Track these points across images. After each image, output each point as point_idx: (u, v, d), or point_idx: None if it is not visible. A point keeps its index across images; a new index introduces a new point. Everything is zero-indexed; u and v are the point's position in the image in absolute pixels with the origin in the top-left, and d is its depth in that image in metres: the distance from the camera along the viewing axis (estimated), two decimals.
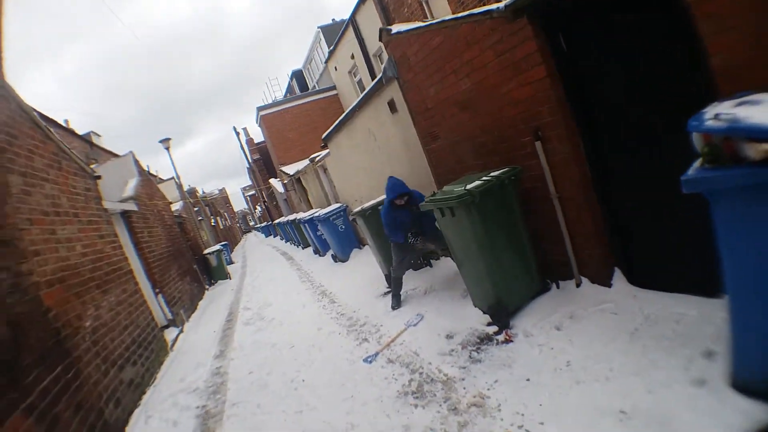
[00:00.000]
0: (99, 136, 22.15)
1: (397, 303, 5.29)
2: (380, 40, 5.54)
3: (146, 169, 14.22)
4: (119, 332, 5.21)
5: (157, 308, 7.80)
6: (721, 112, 1.76)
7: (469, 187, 3.54)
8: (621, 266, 3.53)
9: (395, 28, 5.24)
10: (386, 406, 3.26)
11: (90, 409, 3.81)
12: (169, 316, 8.11)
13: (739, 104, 1.84)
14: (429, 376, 3.47)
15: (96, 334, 4.57)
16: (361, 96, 7.12)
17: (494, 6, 3.58)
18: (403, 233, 4.94)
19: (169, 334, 7.41)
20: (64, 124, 16.95)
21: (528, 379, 2.95)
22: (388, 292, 5.93)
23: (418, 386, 3.37)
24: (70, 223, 5.06)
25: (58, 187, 5.13)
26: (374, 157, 7.36)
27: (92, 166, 6.86)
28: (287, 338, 5.72)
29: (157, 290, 8.11)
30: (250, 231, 72.38)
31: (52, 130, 5.47)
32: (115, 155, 18.71)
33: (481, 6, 8.93)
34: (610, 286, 3.55)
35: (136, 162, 10.90)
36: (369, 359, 4.16)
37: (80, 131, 18.83)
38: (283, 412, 3.72)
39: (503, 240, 3.75)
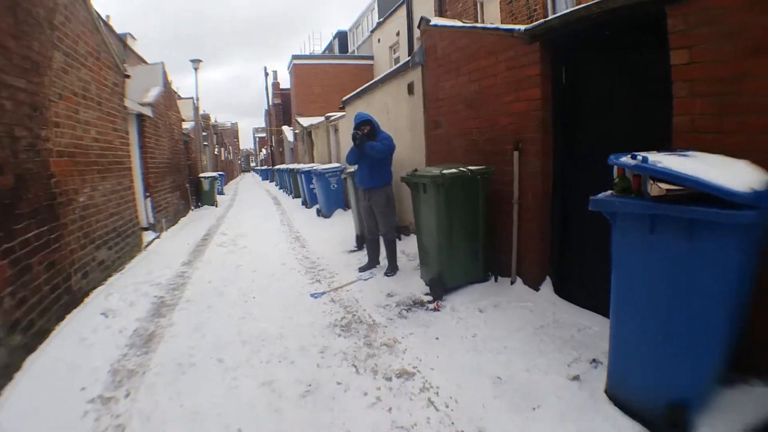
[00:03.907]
0: (135, 39, 22.16)
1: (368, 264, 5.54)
2: (418, 27, 5.92)
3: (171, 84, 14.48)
4: (105, 216, 5.62)
5: (143, 210, 8.26)
6: (637, 154, 2.18)
7: (444, 172, 4.00)
8: (552, 276, 4.00)
9: (434, 20, 5.63)
10: (315, 330, 3.78)
11: (60, 271, 4.13)
12: (151, 220, 8.57)
13: (669, 155, 2.24)
14: (360, 318, 3.98)
15: (85, 211, 4.95)
16: (388, 72, 7.50)
17: (517, 27, 3.99)
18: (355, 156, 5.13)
19: (147, 236, 7.84)
20: (104, 19, 17.03)
21: (437, 338, 3.45)
22: (355, 250, 6.41)
23: (347, 323, 3.89)
24: (92, 108, 5.48)
25: (92, 75, 5.54)
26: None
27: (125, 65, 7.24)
28: (252, 264, 6.25)
29: (148, 194, 8.57)
30: (249, 171, 72.70)
31: (101, 22, 5.84)
32: (144, 61, 18.90)
33: (529, 22, 9.35)
34: (537, 290, 4.04)
35: (164, 74, 11.29)
36: (316, 295, 4.67)
37: (118, 30, 18.88)
38: (228, 316, 4.24)
39: (461, 225, 4.22)
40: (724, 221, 1.85)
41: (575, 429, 2.29)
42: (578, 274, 3.80)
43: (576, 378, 2.75)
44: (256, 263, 6.27)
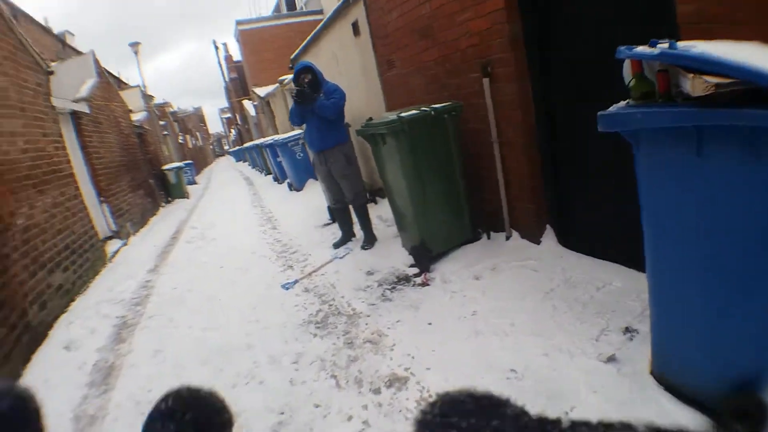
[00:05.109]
0: (72, 35, 20.66)
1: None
2: None
3: (116, 75, 13.34)
4: (52, 235, 4.91)
5: (101, 218, 7.45)
6: (656, 41, 1.47)
7: (402, 115, 3.29)
8: (553, 224, 3.35)
9: None
10: (287, 332, 3.19)
11: (13, 308, 3.62)
12: (114, 227, 7.78)
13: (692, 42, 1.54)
14: (338, 308, 3.39)
15: (27, 234, 4.31)
16: (328, 16, 6.60)
17: None
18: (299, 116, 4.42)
19: (111, 245, 7.14)
20: (42, 22, 15.70)
21: (430, 323, 2.83)
22: (329, 223, 5.78)
23: (323, 317, 3.30)
24: (15, 117, 4.74)
25: (9, 80, 4.79)
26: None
27: (53, 63, 6.57)
28: (219, 259, 5.67)
29: (102, 199, 7.73)
30: (223, 155, 70.70)
31: (14, 22, 5.25)
32: None
33: None
34: (539, 243, 3.39)
35: (96, 62, 10.25)
36: (287, 286, 4.09)
37: (56, 30, 17.54)
38: (189, 328, 3.71)
39: (434, 177, 3.54)
40: None
41: None
42: (585, 218, 3.13)
43: (612, 359, 2.09)
44: (224, 257, 5.67)
